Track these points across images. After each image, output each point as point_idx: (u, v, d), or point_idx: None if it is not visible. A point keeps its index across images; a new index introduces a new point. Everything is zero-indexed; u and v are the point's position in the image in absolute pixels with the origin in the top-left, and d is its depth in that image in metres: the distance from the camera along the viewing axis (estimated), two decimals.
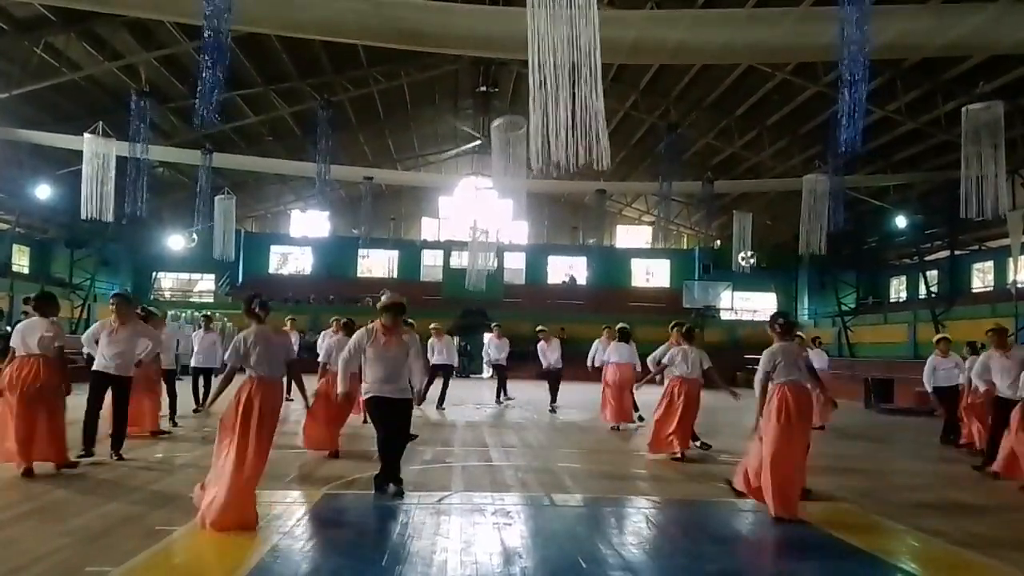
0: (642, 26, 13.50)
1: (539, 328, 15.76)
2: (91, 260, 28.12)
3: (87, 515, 5.36)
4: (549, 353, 15.01)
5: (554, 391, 15.09)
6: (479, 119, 30.59)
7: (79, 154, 17.62)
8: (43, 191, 23.88)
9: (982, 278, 29.07)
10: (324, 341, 10.90)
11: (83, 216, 17.17)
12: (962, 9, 12.59)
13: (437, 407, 14.24)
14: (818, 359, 12.01)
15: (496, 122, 16.01)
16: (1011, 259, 21.84)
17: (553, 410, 14.72)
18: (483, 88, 26.58)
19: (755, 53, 15.12)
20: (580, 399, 15.93)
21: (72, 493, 6.10)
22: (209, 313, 14.32)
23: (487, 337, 15.93)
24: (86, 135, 17.38)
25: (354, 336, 6.55)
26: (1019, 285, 22.74)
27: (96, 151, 17.13)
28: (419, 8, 12.83)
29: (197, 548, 4.82)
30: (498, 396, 16.03)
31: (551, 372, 15.13)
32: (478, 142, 32.41)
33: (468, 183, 32.57)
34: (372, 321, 6.54)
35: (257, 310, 5.61)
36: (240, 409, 5.20)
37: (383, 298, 6.46)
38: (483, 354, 20.79)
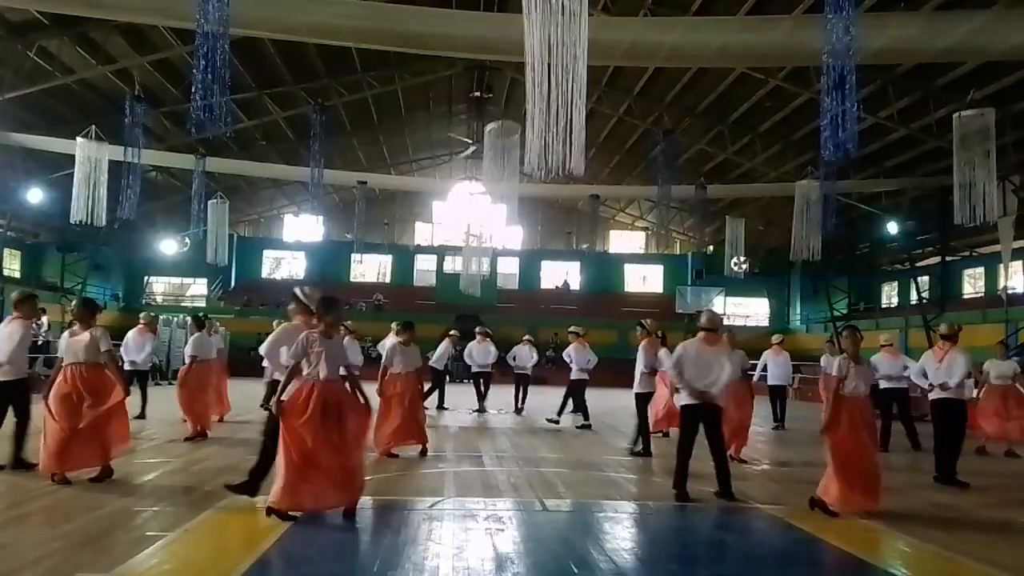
0: (638, 30, 13.62)
1: (525, 336, 15.71)
2: (83, 264, 27.99)
3: (79, 519, 5.33)
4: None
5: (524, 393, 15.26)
6: (473, 124, 30.64)
7: (71, 158, 17.58)
8: (35, 195, 23.81)
9: (973, 284, 29.27)
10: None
11: (74, 220, 17.11)
12: (955, 16, 12.69)
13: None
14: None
15: (490, 127, 16.04)
16: (1002, 265, 21.99)
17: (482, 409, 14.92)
18: (477, 93, 26.62)
19: (748, 57, 15.22)
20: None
21: (64, 497, 6.07)
22: (145, 312, 13.65)
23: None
24: (78, 139, 17.33)
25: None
26: (1009, 291, 22.88)
27: (88, 155, 17.08)
28: (415, 11, 12.89)
29: (188, 554, 4.81)
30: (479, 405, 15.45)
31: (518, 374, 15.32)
32: (472, 147, 32.44)
33: (462, 188, 32.57)
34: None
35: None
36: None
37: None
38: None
